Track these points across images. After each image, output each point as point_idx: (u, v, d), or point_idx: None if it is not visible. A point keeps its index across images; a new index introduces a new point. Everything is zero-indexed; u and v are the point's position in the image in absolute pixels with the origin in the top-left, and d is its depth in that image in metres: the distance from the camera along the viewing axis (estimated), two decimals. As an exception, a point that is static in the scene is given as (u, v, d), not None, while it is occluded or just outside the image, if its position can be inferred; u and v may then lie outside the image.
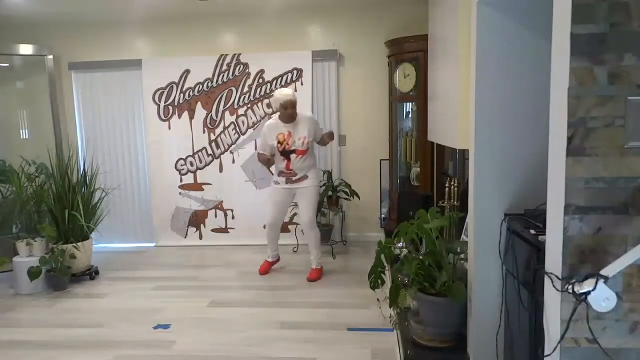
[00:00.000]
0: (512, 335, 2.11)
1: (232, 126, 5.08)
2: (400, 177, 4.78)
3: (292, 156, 3.85)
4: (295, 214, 4.73)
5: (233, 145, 5.10)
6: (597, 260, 1.33)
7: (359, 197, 4.77)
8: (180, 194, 5.21)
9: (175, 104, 5.09)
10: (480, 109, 2.16)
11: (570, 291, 1.31)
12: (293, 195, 3.99)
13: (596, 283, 1.25)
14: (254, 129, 5.05)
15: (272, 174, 4.12)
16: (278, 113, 3.91)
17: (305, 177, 3.91)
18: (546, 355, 1.43)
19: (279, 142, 3.86)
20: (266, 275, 4.17)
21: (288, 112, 3.80)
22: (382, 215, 4.99)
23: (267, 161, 3.96)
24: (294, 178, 3.90)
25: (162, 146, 5.16)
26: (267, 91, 4.97)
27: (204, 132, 5.11)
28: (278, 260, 4.32)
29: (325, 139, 4.03)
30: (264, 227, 5.04)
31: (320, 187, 4.24)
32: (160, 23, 5.02)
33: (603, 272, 1.26)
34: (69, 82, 5.20)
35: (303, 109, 4.89)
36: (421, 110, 4.28)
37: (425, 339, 2.52)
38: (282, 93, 3.83)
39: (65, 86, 5.23)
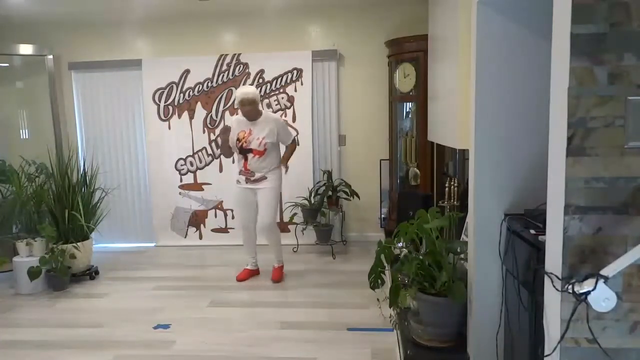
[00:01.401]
0: (512, 335, 2.11)
1: (232, 126, 5.08)
2: (400, 177, 4.78)
3: (249, 155, 3.79)
4: (295, 214, 4.74)
5: (233, 145, 5.10)
6: (597, 260, 1.33)
7: (359, 197, 4.77)
8: (180, 194, 5.21)
9: (175, 104, 5.09)
10: (480, 109, 2.16)
11: (570, 291, 1.31)
12: (255, 195, 3.90)
13: (596, 283, 1.25)
14: (254, 129, 5.04)
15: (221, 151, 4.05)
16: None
17: (264, 178, 3.83)
18: (546, 355, 1.43)
19: (238, 139, 3.82)
20: (266, 276, 4.15)
21: (245, 109, 3.75)
22: (382, 215, 4.99)
23: (225, 140, 3.84)
24: (252, 178, 3.84)
25: (162, 146, 5.16)
26: (267, 91, 4.97)
27: (204, 132, 5.11)
28: (257, 271, 4.18)
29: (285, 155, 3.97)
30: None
31: (280, 188, 4.01)
32: (160, 23, 5.02)
33: (603, 272, 1.26)
34: (69, 82, 5.20)
35: (302, 109, 4.95)
36: (421, 110, 4.28)
37: (425, 339, 2.52)
38: (240, 90, 3.79)
39: (65, 86, 5.23)
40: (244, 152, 3.82)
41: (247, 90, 3.76)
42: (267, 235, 3.95)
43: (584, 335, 1.36)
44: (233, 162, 5.08)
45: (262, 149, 3.76)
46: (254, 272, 4.16)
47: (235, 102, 3.84)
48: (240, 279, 4.05)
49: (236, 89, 4.99)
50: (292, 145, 4.01)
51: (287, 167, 3.93)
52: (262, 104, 4.99)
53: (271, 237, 3.98)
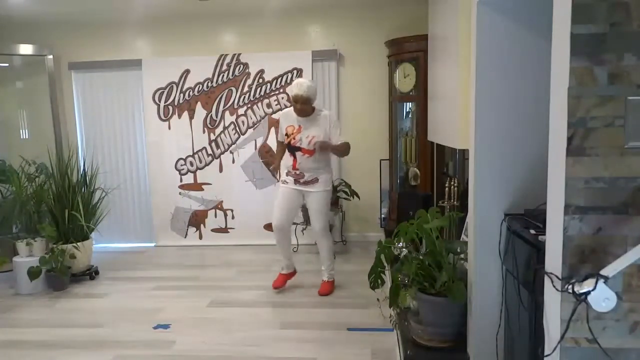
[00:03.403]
0: (512, 335, 2.11)
1: (232, 126, 5.08)
2: (400, 177, 4.78)
3: (298, 154, 3.50)
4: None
5: (233, 145, 5.10)
6: (597, 260, 1.33)
7: (359, 197, 4.77)
8: (180, 194, 5.21)
9: (175, 104, 5.09)
10: (480, 109, 2.16)
11: (570, 291, 1.31)
12: (302, 198, 3.63)
13: (596, 283, 1.25)
14: (253, 129, 5.05)
15: (273, 175, 3.81)
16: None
17: (315, 179, 3.53)
18: (546, 355, 1.43)
19: (286, 134, 3.55)
20: (266, 276, 4.14)
21: (297, 107, 3.44)
22: (382, 215, 4.99)
23: (275, 159, 3.59)
24: (302, 180, 3.53)
25: (162, 146, 5.17)
26: (267, 91, 4.97)
27: (204, 132, 5.11)
28: (294, 272, 3.90)
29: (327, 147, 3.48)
30: (264, 227, 5.08)
31: (331, 191, 3.77)
32: (160, 23, 5.02)
33: (603, 272, 1.26)
34: (69, 82, 5.20)
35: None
36: (421, 110, 4.28)
37: (425, 339, 2.52)
38: (296, 85, 3.45)
39: (65, 86, 5.23)
40: (293, 150, 3.52)
41: (303, 85, 3.41)
42: (320, 241, 3.70)
43: (584, 335, 1.36)
44: (233, 162, 5.11)
45: (312, 149, 3.45)
46: (291, 275, 3.88)
47: (290, 94, 3.51)
48: (276, 287, 3.78)
49: (236, 89, 5.01)
50: (346, 145, 3.53)
51: (330, 147, 3.44)
52: (262, 104, 5.01)
53: (323, 243, 3.70)
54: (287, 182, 3.62)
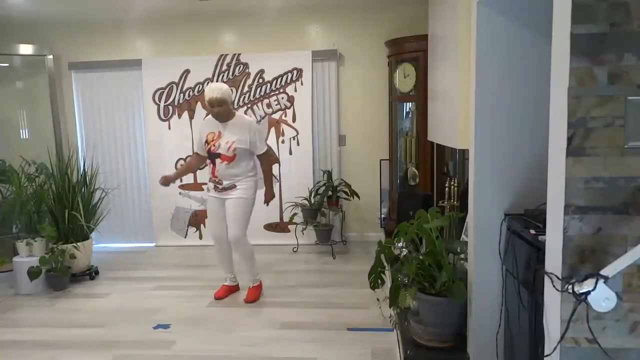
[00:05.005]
0: (512, 335, 2.11)
1: (232, 126, 5.07)
2: (400, 177, 4.78)
3: (217, 161, 3.41)
4: (295, 214, 4.74)
5: (233, 145, 5.09)
6: (597, 260, 1.33)
7: (359, 197, 4.77)
8: (180, 193, 5.21)
9: (175, 104, 5.09)
10: (480, 109, 2.16)
11: (570, 291, 1.31)
12: (224, 206, 3.52)
13: (596, 283, 1.25)
14: (254, 129, 5.04)
15: (163, 184, 3.75)
16: None
17: (233, 186, 3.43)
18: (546, 355, 1.43)
19: (206, 141, 3.48)
20: (266, 276, 4.14)
21: (214, 111, 3.37)
22: (382, 215, 4.99)
23: (186, 169, 3.84)
24: (220, 187, 3.45)
25: (162, 146, 5.16)
26: (267, 91, 4.97)
27: (204, 132, 5.11)
28: (237, 287, 3.82)
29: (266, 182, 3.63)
30: (264, 227, 5.08)
31: (253, 199, 3.55)
32: (160, 23, 5.02)
33: (603, 272, 1.26)
34: (69, 82, 5.20)
35: (302, 109, 4.94)
36: (421, 110, 4.28)
37: (425, 339, 2.52)
38: (208, 88, 3.37)
39: (65, 86, 5.23)
40: (212, 156, 3.45)
41: (215, 87, 3.35)
42: (236, 249, 3.56)
43: (584, 335, 1.36)
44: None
45: (231, 155, 3.38)
46: (233, 289, 3.79)
47: (205, 101, 3.42)
48: (218, 297, 3.68)
49: (236, 89, 5.00)
50: (268, 162, 3.55)
51: (272, 195, 3.62)
52: (262, 104, 5.01)
53: (239, 251, 3.56)
54: (209, 190, 3.59)
